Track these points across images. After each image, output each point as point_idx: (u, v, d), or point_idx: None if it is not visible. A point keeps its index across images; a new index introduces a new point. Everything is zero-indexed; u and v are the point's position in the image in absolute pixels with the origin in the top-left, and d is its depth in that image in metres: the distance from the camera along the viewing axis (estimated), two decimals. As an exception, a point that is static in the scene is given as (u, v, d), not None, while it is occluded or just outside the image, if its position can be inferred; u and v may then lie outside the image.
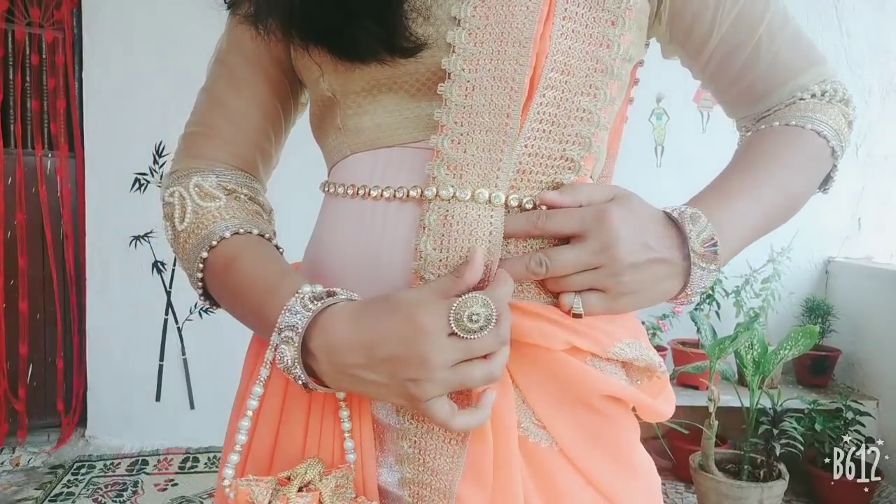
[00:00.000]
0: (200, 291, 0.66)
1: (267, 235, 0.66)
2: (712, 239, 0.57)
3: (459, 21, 0.56)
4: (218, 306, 0.68)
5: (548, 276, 0.55)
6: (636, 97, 0.79)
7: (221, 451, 0.65)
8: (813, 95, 0.67)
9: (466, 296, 0.51)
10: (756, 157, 0.65)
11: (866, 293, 2.69)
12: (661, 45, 0.71)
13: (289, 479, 0.55)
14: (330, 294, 0.55)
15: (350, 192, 0.62)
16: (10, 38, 2.68)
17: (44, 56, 2.72)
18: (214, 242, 0.63)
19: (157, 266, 2.80)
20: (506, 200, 0.56)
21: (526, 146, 0.57)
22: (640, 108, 2.76)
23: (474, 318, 0.50)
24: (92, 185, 2.76)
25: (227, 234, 0.64)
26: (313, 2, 0.58)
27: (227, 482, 0.57)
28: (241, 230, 0.64)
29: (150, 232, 2.76)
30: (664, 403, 0.63)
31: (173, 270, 2.80)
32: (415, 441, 0.56)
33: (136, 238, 2.77)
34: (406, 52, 0.57)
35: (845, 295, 2.80)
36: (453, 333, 0.50)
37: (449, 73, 0.56)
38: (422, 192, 0.57)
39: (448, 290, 0.53)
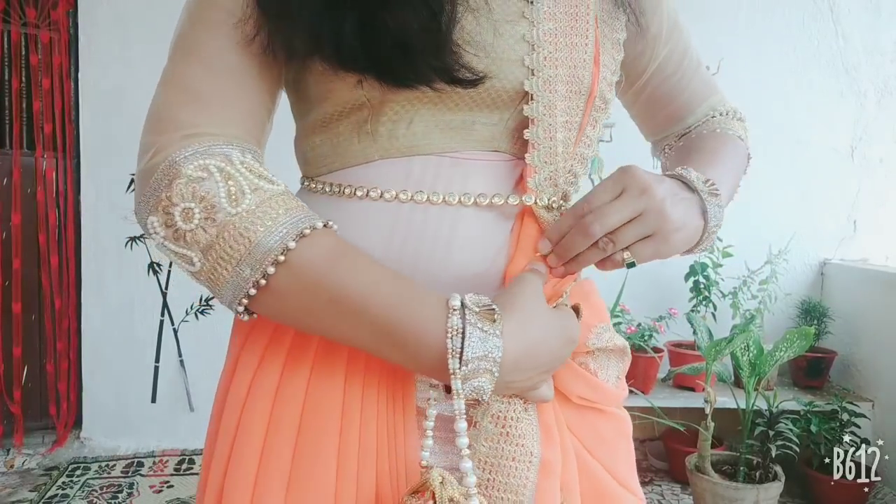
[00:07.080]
0: (253, 292, 0.54)
1: (330, 225, 0.58)
2: (709, 180, 0.65)
3: (533, 71, 0.61)
4: (252, 313, 0.57)
5: (603, 234, 0.59)
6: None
7: None
8: (721, 114, 0.83)
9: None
10: (709, 150, 0.77)
11: (862, 295, 2.70)
12: None
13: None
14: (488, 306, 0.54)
15: (373, 194, 0.62)
16: (6, 38, 2.67)
17: (40, 56, 2.71)
18: (307, 231, 0.54)
19: (153, 267, 2.79)
20: (549, 202, 0.64)
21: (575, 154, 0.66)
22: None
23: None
24: (88, 186, 2.75)
25: (319, 225, 0.55)
26: (369, 40, 0.56)
27: None
28: (320, 223, 0.56)
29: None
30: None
31: (169, 272, 2.79)
32: (497, 415, 0.61)
33: (132, 239, 2.76)
34: (467, 83, 0.58)
35: (841, 297, 2.80)
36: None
37: (532, 95, 0.62)
38: (521, 199, 0.63)
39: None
